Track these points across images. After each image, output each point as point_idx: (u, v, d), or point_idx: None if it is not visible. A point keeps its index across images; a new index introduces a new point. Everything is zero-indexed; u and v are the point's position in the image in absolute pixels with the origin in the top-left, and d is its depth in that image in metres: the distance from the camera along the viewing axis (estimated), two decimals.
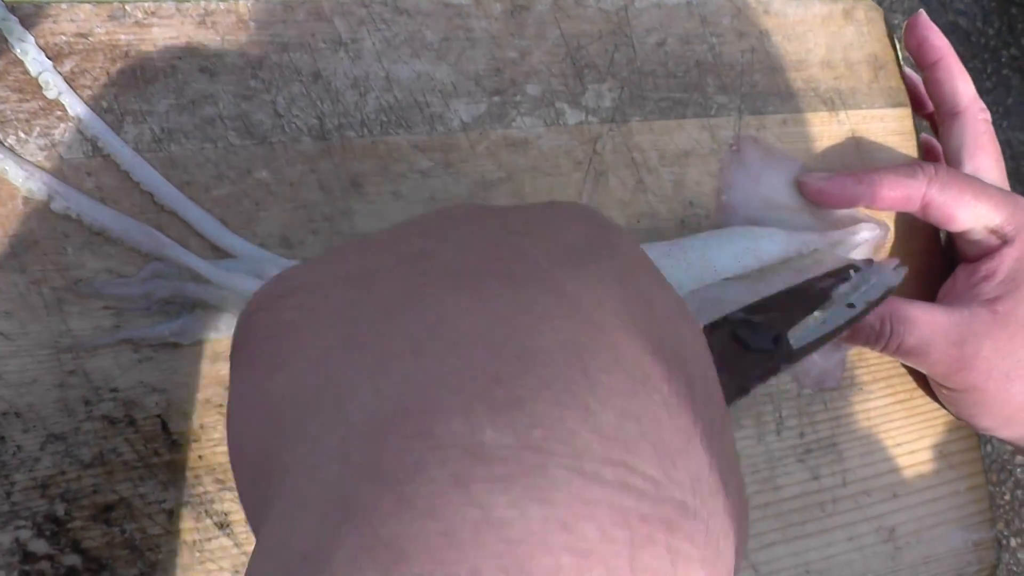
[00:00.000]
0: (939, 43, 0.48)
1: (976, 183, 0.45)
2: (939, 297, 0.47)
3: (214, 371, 0.35)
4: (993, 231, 0.45)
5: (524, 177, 0.41)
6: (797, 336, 0.35)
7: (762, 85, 0.47)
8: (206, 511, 0.34)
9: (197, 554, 0.34)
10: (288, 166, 0.38)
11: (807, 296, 0.38)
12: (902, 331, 0.43)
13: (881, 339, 0.43)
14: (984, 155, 0.47)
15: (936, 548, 0.45)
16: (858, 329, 0.43)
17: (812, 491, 0.43)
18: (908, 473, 0.45)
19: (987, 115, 0.48)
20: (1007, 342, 0.43)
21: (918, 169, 0.45)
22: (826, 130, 0.48)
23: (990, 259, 0.45)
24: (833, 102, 0.48)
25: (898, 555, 0.44)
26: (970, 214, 0.44)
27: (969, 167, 0.47)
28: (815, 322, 0.36)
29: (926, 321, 0.43)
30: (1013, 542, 1.37)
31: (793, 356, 0.35)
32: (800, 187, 0.46)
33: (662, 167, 0.43)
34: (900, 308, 0.43)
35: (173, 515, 0.34)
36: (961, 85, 0.48)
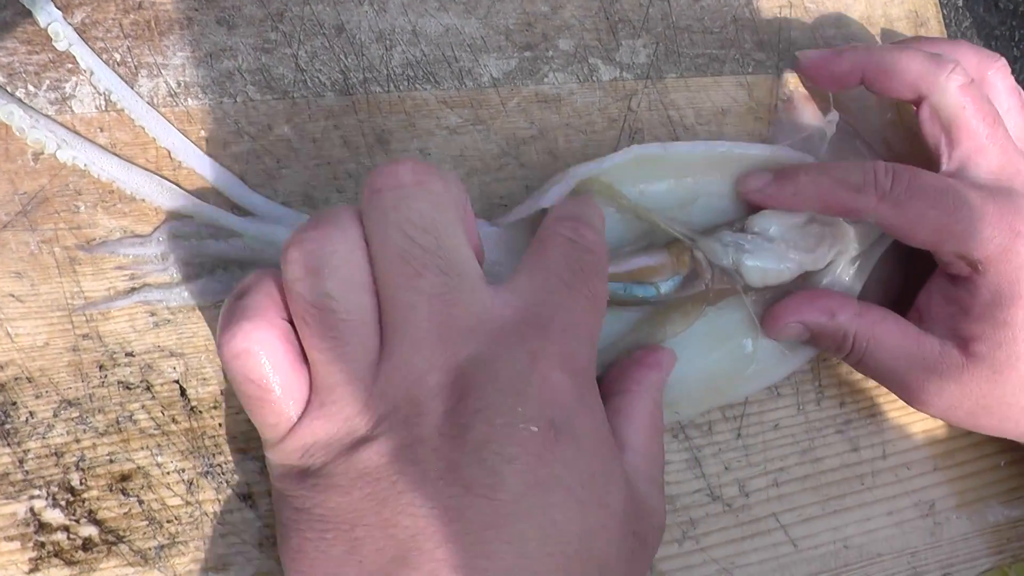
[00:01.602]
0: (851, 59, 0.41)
1: (947, 197, 0.36)
2: (917, 307, 0.40)
3: None
4: (961, 257, 0.37)
5: (557, 134, 0.39)
6: None
7: (800, 41, 0.45)
8: (227, 482, 0.33)
9: (219, 526, 0.32)
10: (311, 122, 0.36)
11: None
12: (864, 348, 0.38)
13: (842, 351, 0.39)
14: (969, 136, 0.38)
15: (976, 524, 0.44)
16: (821, 334, 0.38)
17: (852, 463, 0.42)
18: (949, 446, 0.44)
19: (961, 78, 0.38)
20: (975, 387, 0.37)
21: (868, 179, 0.37)
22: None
23: (963, 288, 0.38)
24: None
25: (938, 530, 0.43)
26: (932, 237, 0.37)
27: (953, 161, 0.39)
28: None
29: (894, 345, 0.38)
30: None
31: None
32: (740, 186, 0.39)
33: (698, 125, 0.42)
34: (870, 322, 0.38)
35: (193, 485, 0.32)
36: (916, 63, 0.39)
